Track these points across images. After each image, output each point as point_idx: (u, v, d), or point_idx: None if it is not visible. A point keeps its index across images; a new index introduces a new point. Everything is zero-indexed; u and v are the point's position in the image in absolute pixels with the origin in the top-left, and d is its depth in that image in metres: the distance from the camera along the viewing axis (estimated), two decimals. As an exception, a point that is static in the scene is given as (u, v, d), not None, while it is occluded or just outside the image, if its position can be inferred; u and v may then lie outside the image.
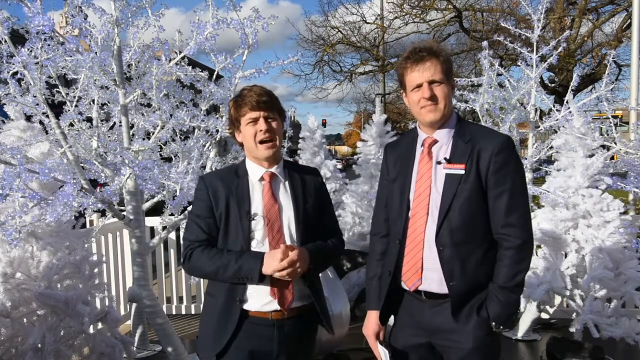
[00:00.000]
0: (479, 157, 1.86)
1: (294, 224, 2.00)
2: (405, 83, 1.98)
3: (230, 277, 1.92)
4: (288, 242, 1.98)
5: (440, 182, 1.91)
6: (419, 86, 1.92)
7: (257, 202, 2.00)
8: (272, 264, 1.86)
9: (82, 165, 3.18)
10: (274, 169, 2.04)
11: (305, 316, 2.04)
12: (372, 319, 2.12)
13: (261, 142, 1.98)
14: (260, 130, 1.97)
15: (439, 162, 1.93)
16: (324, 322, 2.09)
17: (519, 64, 4.83)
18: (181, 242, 4.95)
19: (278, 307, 1.95)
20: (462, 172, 1.87)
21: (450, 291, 1.89)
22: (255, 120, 1.99)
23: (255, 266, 1.88)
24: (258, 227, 1.97)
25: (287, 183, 2.06)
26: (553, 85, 14.36)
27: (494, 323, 1.88)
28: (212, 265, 1.93)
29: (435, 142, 1.97)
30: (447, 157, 1.91)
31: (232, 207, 1.97)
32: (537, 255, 4.04)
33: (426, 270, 1.93)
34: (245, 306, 1.96)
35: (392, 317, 2.16)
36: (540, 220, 3.97)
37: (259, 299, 1.96)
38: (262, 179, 2.03)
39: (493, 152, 1.85)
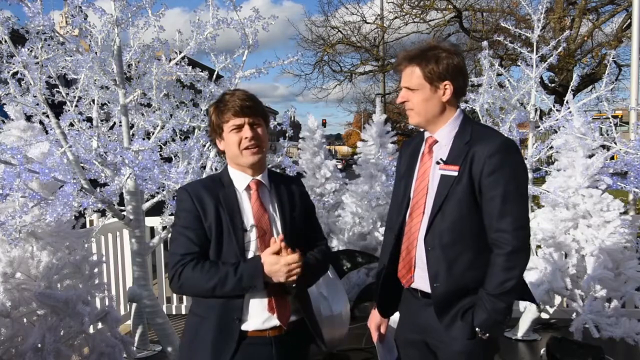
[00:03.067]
0: (472, 160, 1.83)
1: (282, 232, 1.90)
2: None
3: (230, 290, 1.77)
4: None
5: (436, 183, 1.91)
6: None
7: (247, 212, 1.89)
8: (271, 259, 1.77)
9: (82, 165, 3.18)
10: (259, 177, 1.94)
11: (301, 330, 1.94)
12: (375, 311, 2.17)
13: (246, 148, 1.87)
14: (246, 138, 1.86)
15: (437, 162, 1.93)
16: (316, 338, 1.99)
17: (519, 64, 4.82)
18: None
19: (277, 323, 1.85)
20: (455, 173, 1.85)
21: (433, 292, 1.89)
22: (239, 127, 1.87)
23: (256, 271, 1.77)
24: (251, 238, 1.88)
25: (272, 192, 1.97)
26: (553, 85, 14.36)
27: (478, 329, 1.85)
28: (208, 281, 1.76)
29: (436, 142, 1.98)
30: (444, 158, 1.91)
31: (223, 218, 1.85)
32: (537, 255, 4.04)
33: (418, 269, 1.95)
34: (244, 326, 1.83)
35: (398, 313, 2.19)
36: (540, 220, 3.97)
37: (258, 316, 1.84)
38: (248, 187, 1.93)
39: (486, 155, 1.81)
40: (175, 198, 3.64)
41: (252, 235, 1.87)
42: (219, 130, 1.93)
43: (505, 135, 4.37)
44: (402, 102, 1.97)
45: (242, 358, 1.81)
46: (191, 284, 1.79)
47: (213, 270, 1.78)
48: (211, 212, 1.85)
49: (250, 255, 1.85)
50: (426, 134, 2.04)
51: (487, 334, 1.85)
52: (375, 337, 2.19)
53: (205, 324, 1.84)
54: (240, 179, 1.93)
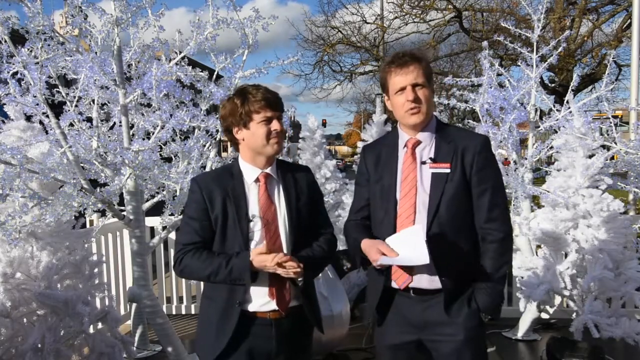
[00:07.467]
0: (463, 156, 1.96)
1: (288, 224, 2.01)
2: (389, 86, 2.03)
3: (222, 280, 1.94)
4: (284, 242, 2.00)
5: (426, 182, 1.97)
6: (403, 89, 1.98)
7: (254, 203, 2.00)
8: (260, 258, 1.88)
9: (82, 165, 3.18)
10: (268, 170, 2.04)
11: (302, 314, 2.06)
12: (367, 241, 1.99)
13: (273, 139, 1.99)
14: (275, 130, 1.98)
15: (423, 162, 1.99)
16: (314, 323, 2.12)
17: (519, 64, 4.82)
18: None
19: (276, 307, 1.97)
20: (448, 170, 1.96)
21: (443, 286, 1.96)
22: (269, 120, 1.98)
23: (244, 266, 1.89)
24: (256, 228, 1.98)
25: (280, 183, 2.06)
26: (553, 85, 14.37)
27: (483, 314, 1.98)
28: (203, 270, 1.94)
29: (418, 142, 2.02)
30: (432, 157, 1.98)
31: (230, 209, 1.97)
32: (537, 255, 4.03)
33: (416, 268, 1.97)
34: (244, 307, 1.97)
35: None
36: (540, 220, 3.96)
37: (258, 300, 1.98)
38: (257, 180, 2.02)
39: (476, 151, 1.96)
40: (174, 198, 3.66)
41: (257, 226, 1.98)
42: (245, 119, 1.97)
43: (505, 135, 4.41)
44: (413, 98, 1.95)
45: (244, 336, 1.97)
46: (190, 270, 1.98)
47: (209, 261, 1.94)
48: (219, 203, 1.97)
49: (254, 244, 1.97)
50: (403, 137, 2.06)
51: (490, 317, 2.00)
52: (377, 255, 1.91)
53: (212, 306, 2.02)
54: (250, 172, 2.04)
